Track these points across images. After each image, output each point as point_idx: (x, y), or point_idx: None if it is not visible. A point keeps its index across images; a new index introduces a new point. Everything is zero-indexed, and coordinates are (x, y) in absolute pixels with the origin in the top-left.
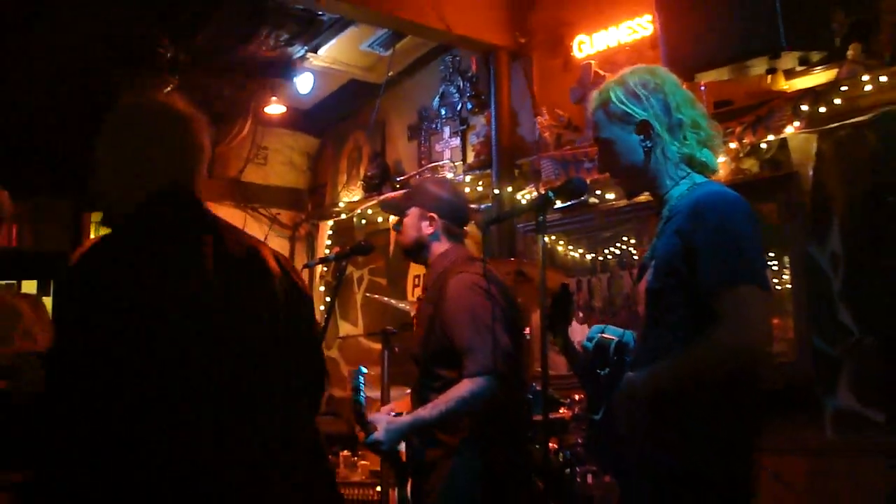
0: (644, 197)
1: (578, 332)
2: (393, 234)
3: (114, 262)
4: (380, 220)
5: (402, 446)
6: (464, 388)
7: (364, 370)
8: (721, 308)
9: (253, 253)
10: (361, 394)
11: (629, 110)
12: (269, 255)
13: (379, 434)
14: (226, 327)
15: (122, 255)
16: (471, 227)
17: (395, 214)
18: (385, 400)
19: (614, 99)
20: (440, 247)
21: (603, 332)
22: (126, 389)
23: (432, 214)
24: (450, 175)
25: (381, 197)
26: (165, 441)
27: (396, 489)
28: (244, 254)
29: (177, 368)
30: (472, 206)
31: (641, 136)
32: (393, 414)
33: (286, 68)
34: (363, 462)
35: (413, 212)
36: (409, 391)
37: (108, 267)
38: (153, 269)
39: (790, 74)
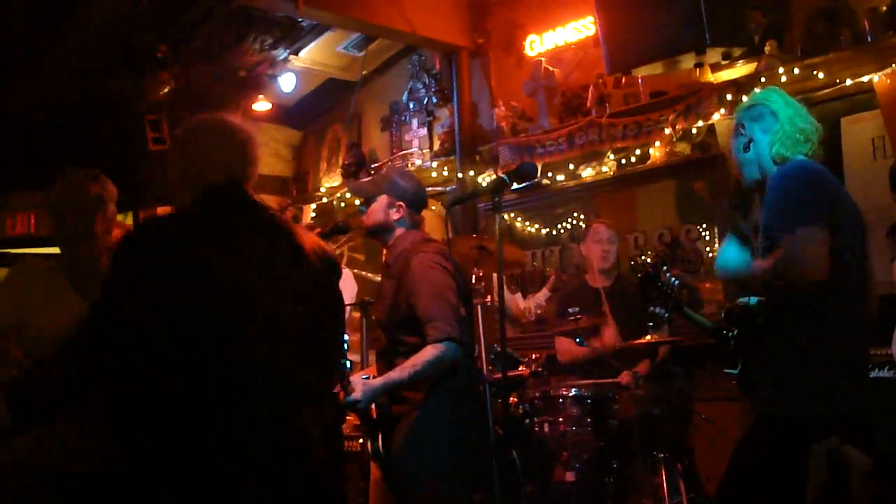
0: (589, 177)
1: (521, 301)
2: None
3: (167, 235)
4: (357, 202)
5: (373, 405)
6: (428, 353)
7: (346, 338)
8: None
9: (291, 238)
10: (346, 359)
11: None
12: (307, 245)
13: (356, 394)
14: (263, 301)
15: (176, 230)
16: (438, 207)
17: (363, 198)
18: (363, 361)
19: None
20: (401, 230)
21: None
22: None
23: (400, 203)
24: (418, 161)
25: (351, 182)
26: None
27: (369, 442)
28: (284, 239)
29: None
30: (438, 188)
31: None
32: (364, 377)
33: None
34: (348, 417)
35: (382, 199)
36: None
37: (160, 240)
38: (204, 244)
39: (716, 68)
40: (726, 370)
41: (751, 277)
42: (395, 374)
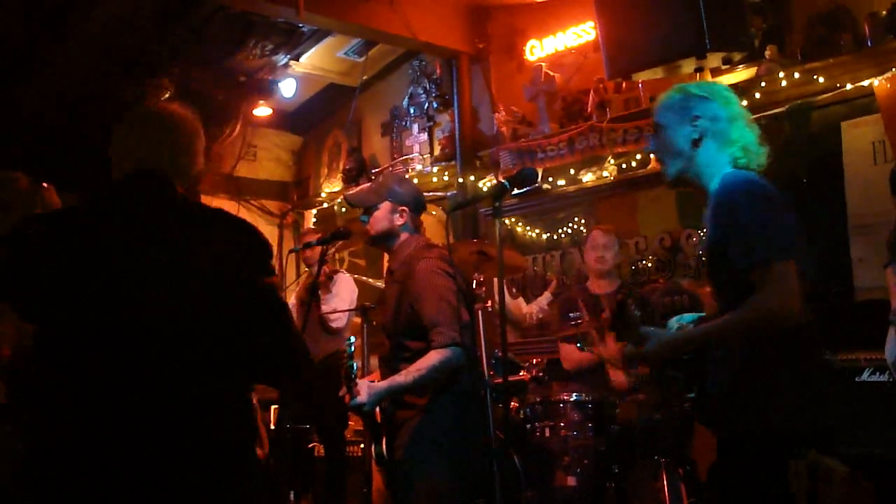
0: (590, 182)
1: (524, 305)
2: None
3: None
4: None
5: (377, 408)
6: (433, 358)
7: (353, 339)
8: (757, 282)
9: (206, 234)
10: (353, 360)
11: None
12: (233, 243)
13: (362, 397)
14: (140, 298)
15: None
16: (439, 213)
17: (363, 208)
18: (365, 366)
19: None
20: (405, 235)
21: (681, 321)
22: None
23: (403, 208)
24: (419, 166)
25: (350, 193)
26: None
27: (373, 446)
28: (192, 233)
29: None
30: (439, 193)
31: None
32: (369, 381)
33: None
34: (350, 423)
35: (385, 206)
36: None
37: (42, 234)
38: (88, 237)
39: (716, 72)
40: (686, 394)
41: (725, 331)
42: (401, 377)
